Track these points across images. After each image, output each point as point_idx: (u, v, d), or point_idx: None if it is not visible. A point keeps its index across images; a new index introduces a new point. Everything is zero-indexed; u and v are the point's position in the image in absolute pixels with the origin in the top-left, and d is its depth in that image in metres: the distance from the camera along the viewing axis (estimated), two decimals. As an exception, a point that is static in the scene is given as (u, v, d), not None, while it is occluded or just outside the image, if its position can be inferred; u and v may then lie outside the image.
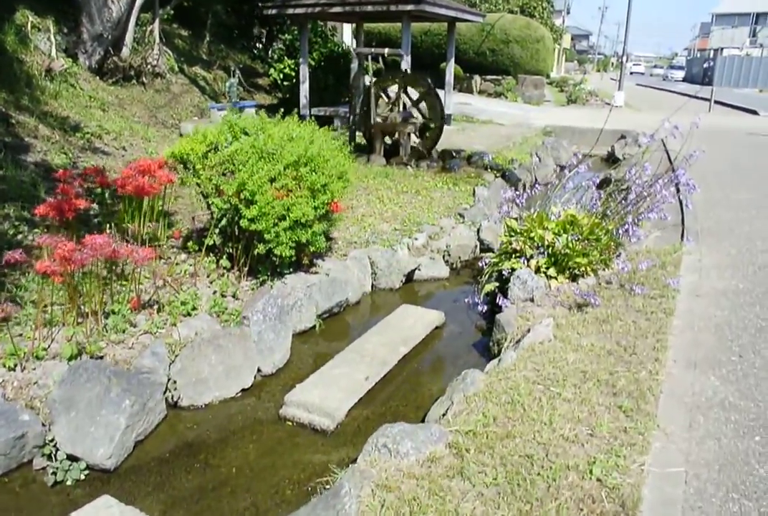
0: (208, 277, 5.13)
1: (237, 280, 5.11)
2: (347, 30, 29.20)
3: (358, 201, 7.52)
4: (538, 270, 4.97)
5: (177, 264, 5.32)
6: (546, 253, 5.00)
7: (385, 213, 7.18)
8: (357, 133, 10.94)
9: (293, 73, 14.70)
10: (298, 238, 4.72)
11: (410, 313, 5.05)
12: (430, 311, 5.11)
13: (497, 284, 5.21)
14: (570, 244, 4.86)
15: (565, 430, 2.89)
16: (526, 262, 5.04)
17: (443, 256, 6.44)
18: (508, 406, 3.16)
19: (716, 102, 22.67)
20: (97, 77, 10.57)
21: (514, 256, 5.19)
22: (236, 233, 4.95)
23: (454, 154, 10.59)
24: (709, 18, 69.54)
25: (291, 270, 5.17)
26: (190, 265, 5.25)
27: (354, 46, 25.70)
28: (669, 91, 37.21)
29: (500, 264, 5.22)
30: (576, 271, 4.93)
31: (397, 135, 10.03)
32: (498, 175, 9.83)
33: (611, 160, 13.72)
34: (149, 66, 11.73)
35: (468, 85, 24.09)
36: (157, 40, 11.78)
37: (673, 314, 4.19)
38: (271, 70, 15.97)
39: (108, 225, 5.38)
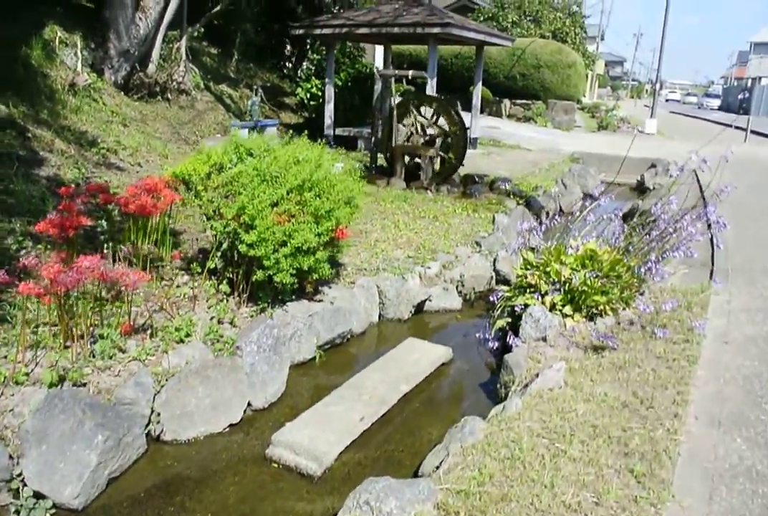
0: (207, 301, 4.94)
1: (237, 305, 4.91)
2: (379, 51, 29.33)
3: (372, 225, 7.31)
4: (553, 307, 4.68)
5: (177, 286, 5.14)
6: (562, 289, 4.71)
7: (399, 239, 6.95)
8: (379, 155, 10.79)
9: (320, 93, 14.68)
10: (300, 265, 4.51)
11: (416, 348, 4.79)
12: (437, 346, 4.84)
13: (509, 320, 4.93)
14: (588, 282, 4.56)
15: (568, 496, 2.59)
16: (540, 298, 4.75)
17: (456, 287, 6.17)
18: (508, 462, 2.87)
19: (753, 132, 22.15)
20: (122, 93, 10.60)
21: (528, 291, 4.91)
22: (236, 258, 4.76)
23: (476, 179, 10.37)
24: (747, 46, 68.81)
25: (293, 297, 4.96)
26: (192, 288, 5.07)
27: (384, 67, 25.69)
28: (704, 119, 36.63)
29: (513, 299, 4.94)
30: (594, 310, 4.63)
31: (418, 158, 9.86)
32: (521, 202, 9.57)
33: (641, 189, 13.36)
34: (175, 83, 11.77)
35: (497, 109, 23.96)
36: (184, 57, 11.83)
37: (697, 363, 3.87)
38: (298, 90, 16.00)
39: (110, 244, 5.23)
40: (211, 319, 4.68)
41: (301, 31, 12.67)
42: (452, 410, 4.23)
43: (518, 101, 23.56)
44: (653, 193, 10.76)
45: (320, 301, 5.10)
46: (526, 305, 4.70)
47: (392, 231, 7.18)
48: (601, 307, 4.61)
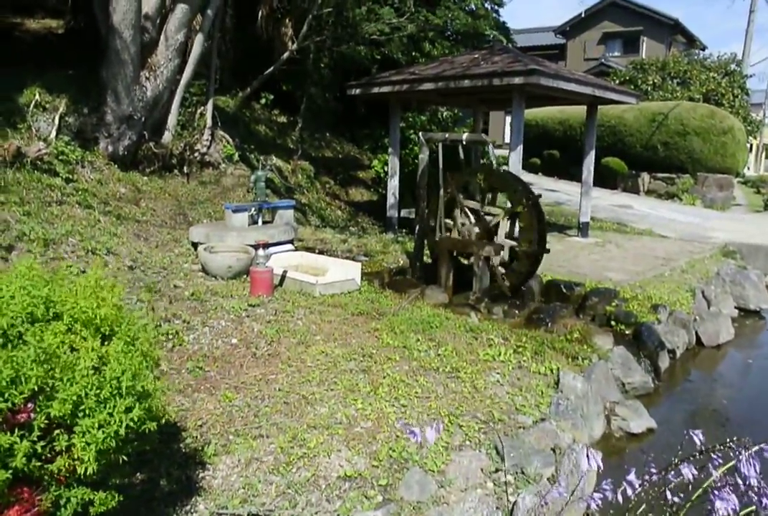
0: None
1: None
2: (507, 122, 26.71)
3: (331, 387, 4.23)
4: None
5: None
6: None
7: (360, 422, 3.81)
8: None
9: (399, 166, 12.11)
10: None
11: None
12: None
13: None
14: None
15: None
16: None
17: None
18: None
19: None
20: (115, 165, 8.58)
21: None
22: None
23: (564, 288, 6.96)
24: None
25: None
26: None
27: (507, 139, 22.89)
28: None
29: None
30: None
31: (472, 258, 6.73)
32: (628, 333, 6.04)
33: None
34: (197, 153, 9.69)
35: (633, 184, 20.12)
36: (209, 123, 9.76)
37: None
38: (375, 162, 13.59)
39: None
40: None
41: (357, 91, 10.26)
42: None
43: (659, 175, 19.60)
44: None
45: None
46: None
47: (360, 401, 4.05)
48: None
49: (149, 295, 5.49)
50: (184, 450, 3.45)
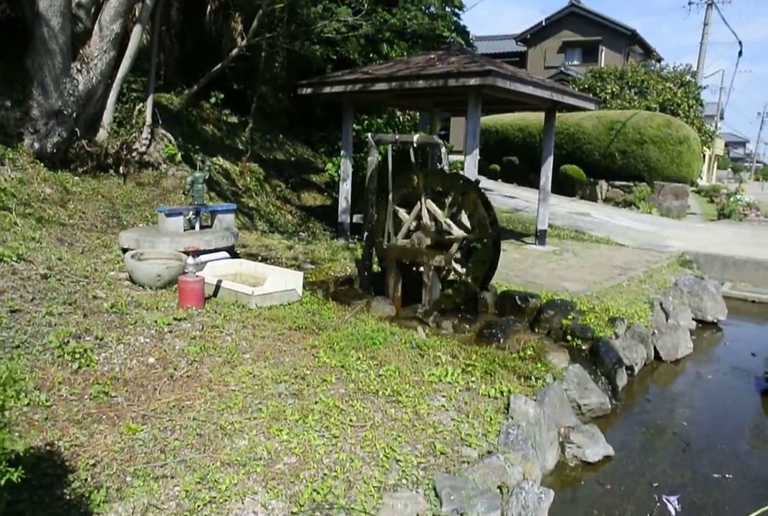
0: None
1: None
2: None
3: (255, 414, 3.73)
4: None
5: None
6: None
7: (283, 458, 3.32)
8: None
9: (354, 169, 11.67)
10: None
11: None
12: None
13: None
14: None
15: None
16: None
17: None
18: None
19: None
20: (41, 163, 7.93)
21: None
22: None
23: (518, 300, 6.59)
24: None
25: None
26: None
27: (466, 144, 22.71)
28: None
29: None
30: None
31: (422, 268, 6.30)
32: (585, 348, 5.70)
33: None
34: (135, 153, 9.06)
35: (591, 192, 20.10)
36: (149, 121, 9.14)
37: None
38: (328, 166, 13.14)
39: None
40: None
41: (308, 90, 9.78)
42: None
43: (617, 183, 19.62)
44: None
45: None
46: None
47: (285, 431, 3.56)
48: None
49: (60, 308, 4.91)
50: (68, 497, 2.92)
